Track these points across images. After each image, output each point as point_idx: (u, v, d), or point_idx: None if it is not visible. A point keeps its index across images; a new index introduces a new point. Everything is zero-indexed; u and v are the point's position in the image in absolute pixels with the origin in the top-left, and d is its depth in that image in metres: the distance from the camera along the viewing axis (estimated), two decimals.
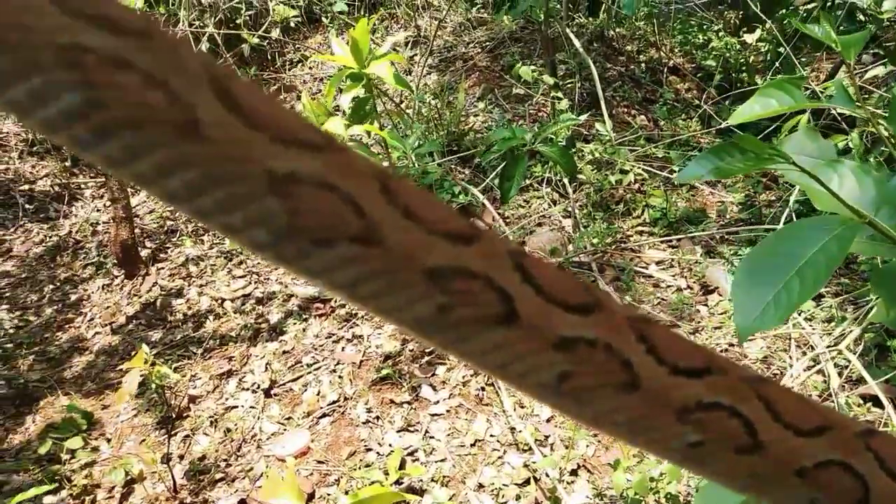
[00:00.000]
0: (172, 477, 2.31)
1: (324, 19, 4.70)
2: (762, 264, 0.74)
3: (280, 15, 4.22)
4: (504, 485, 2.03)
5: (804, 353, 2.15)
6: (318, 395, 2.55)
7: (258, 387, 2.64)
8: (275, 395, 2.62)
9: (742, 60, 3.71)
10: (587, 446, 2.07)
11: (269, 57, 4.54)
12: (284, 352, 2.81)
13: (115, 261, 3.49)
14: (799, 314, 2.30)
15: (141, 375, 2.50)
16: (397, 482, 2.12)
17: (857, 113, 0.93)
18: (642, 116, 3.75)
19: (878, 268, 0.76)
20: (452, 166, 3.50)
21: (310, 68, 4.53)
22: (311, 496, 2.19)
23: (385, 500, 1.56)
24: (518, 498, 1.98)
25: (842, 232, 0.72)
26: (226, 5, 4.16)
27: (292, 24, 4.43)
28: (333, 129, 2.19)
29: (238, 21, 4.23)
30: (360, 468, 2.22)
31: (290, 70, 4.58)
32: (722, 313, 2.50)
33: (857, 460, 0.31)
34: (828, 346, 1.93)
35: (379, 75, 2.03)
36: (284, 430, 2.48)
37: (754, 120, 0.99)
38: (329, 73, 4.23)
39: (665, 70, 3.98)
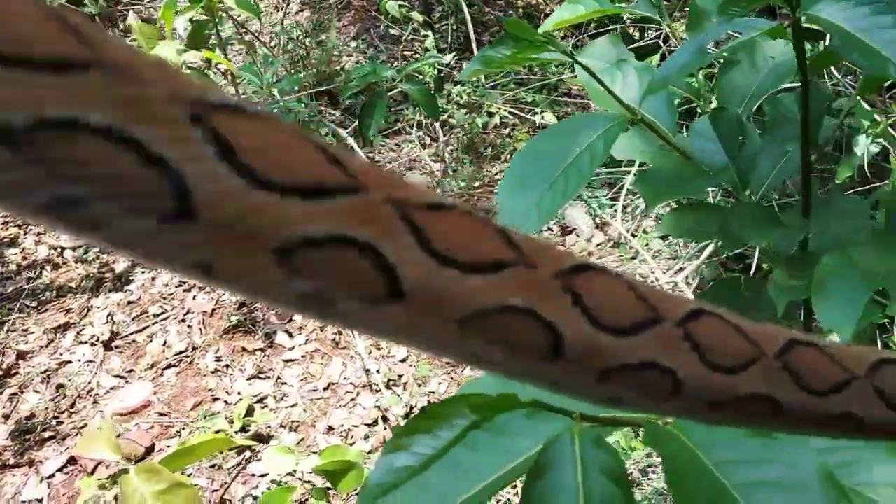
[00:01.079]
0: None
1: None
2: (529, 166, 0.69)
3: None
4: (354, 426, 1.98)
5: None
6: (164, 345, 2.39)
7: (97, 339, 2.44)
8: (116, 347, 2.42)
9: None
10: (439, 384, 2.06)
11: None
12: (129, 302, 2.60)
13: None
14: (647, 250, 2.38)
15: None
16: (242, 430, 2.03)
17: (656, 17, 0.90)
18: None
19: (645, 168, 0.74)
20: (322, 108, 3.34)
21: None
22: (149, 449, 2.05)
23: (212, 445, 1.47)
24: (366, 437, 1.94)
25: (610, 128, 0.68)
26: None
27: None
28: (165, 54, 1.98)
29: None
30: (204, 418, 2.11)
31: (147, 2, 4.17)
32: (579, 253, 2.55)
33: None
34: (668, 283, 2.00)
35: None
36: (126, 383, 2.31)
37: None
38: None
39: (542, 16, 3.96)
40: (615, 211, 2.57)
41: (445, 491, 0.43)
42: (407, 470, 0.39)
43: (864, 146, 1.51)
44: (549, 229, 2.67)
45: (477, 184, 2.90)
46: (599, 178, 2.79)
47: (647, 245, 2.44)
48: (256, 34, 3.50)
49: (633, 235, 2.49)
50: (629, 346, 0.25)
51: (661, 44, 2.53)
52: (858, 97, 1.44)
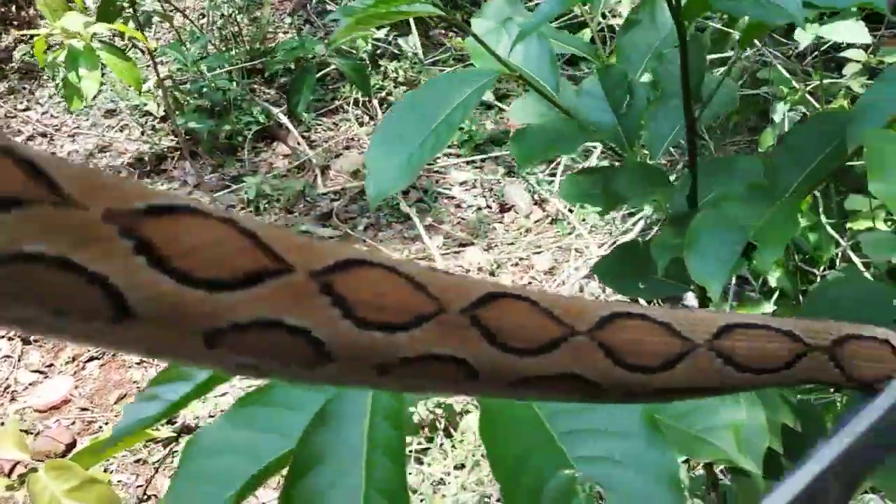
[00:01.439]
0: None
1: None
2: (401, 124, 0.65)
3: None
4: None
5: (585, 264, 2.22)
6: None
7: (14, 334, 2.31)
8: (35, 341, 2.31)
9: None
10: None
11: None
12: None
13: None
14: (583, 225, 2.37)
15: None
16: (170, 422, 1.95)
17: None
18: (459, 39, 3.66)
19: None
20: (255, 86, 3.22)
21: None
22: (70, 446, 1.96)
23: (133, 439, 1.40)
24: None
25: (485, 82, 0.64)
26: None
27: None
28: (71, 26, 1.87)
29: None
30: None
31: None
32: (517, 230, 2.53)
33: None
34: (598, 257, 1.99)
35: None
36: (46, 378, 2.20)
37: None
38: None
39: None
40: (553, 187, 2.55)
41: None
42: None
43: (783, 113, 1.51)
44: (489, 207, 2.65)
45: None
46: None
47: (583, 220, 2.43)
48: (184, 11, 3.36)
49: (570, 211, 2.48)
50: (400, 341, 0.24)
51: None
52: (778, 66, 1.44)
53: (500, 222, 2.57)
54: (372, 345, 0.23)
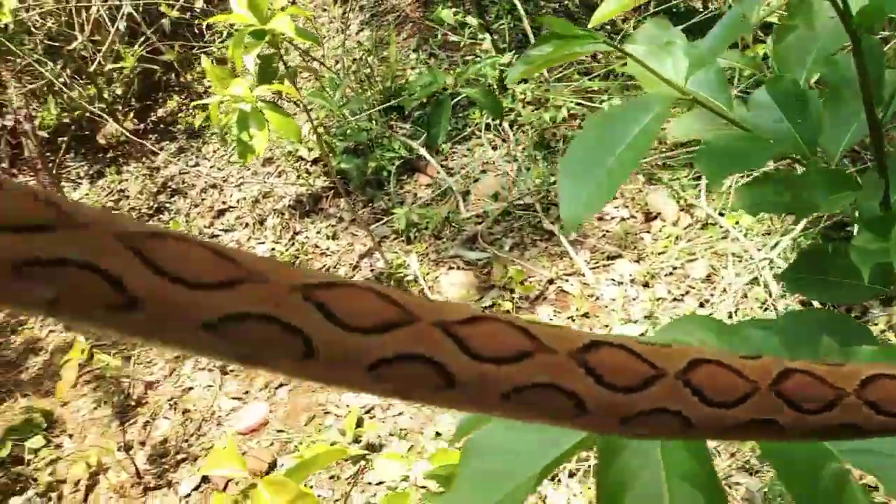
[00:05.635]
0: (134, 463, 2.30)
1: None
2: (585, 153, 0.72)
3: None
4: None
5: (745, 269, 2.16)
6: None
7: (214, 365, 2.63)
8: (231, 371, 2.60)
9: None
10: None
11: (197, 31, 4.40)
12: None
13: None
14: (736, 228, 2.30)
15: (97, 369, 2.49)
16: (355, 441, 2.13)
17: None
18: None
19: (703, 144, 0.74)
20: (392, 122, 3.44)
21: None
22: (272, 466, 2.19)
23: (330, 456, 1.56)
24: None
25: (661, 110, 0.70)
26: None
27: None
28: (238, 92, 2.13)
29: None
30: (318, 432, 2.23)
31: (221, 43, 4.45)
32: (666, 238, 2.50)
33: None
34: (761, 259, 1.93)
35: (279, 29, 1.97)
36: (243, 404, 2.48)
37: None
38: None
39: (600, 2, 3.90)
40: (699, 191, 2.50)
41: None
42: None
43: None
44: (633, 216, 2.64)
45: (553, 179, 2.90)
46: (679, 159, 2.73)
47: (737, 223, 2.35)
48: (321, 59, 3.66)
49: (721, 214, 2.41)
50: (504, 374, 0.28)
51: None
52: None
53: (647, 231, 2.55)
54: (492, 376, 0.27)
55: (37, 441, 2.54)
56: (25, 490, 2.39)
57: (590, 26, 0.98)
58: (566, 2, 3.97)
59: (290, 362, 0.27)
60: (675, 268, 2.40)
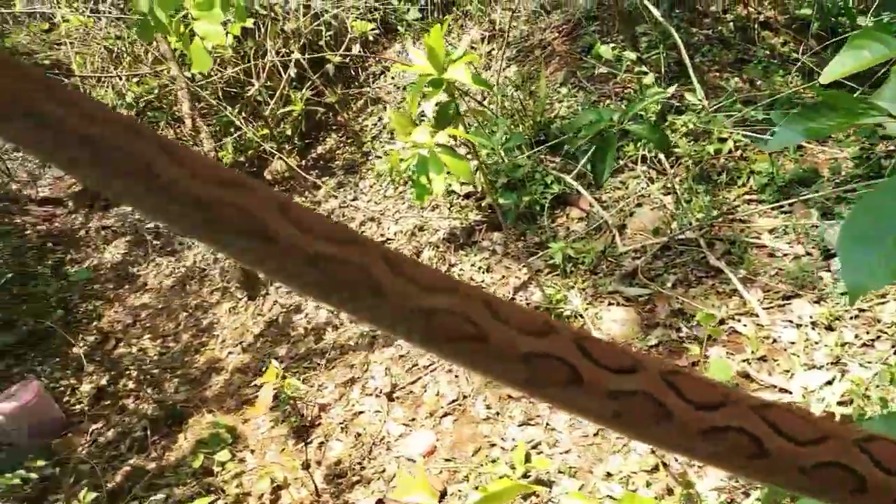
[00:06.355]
0: (314, 482, 2.47)
1: (399, 28, 4.80)
2: (869, 219, 0.72)
3: (358, 30, 4.36)
4: (633, 472, 2.03)
5: None
6: (437, 395, 2.65)
7: (381, 391, 2.77)
8: (397, 398, 2.74)
9: (840, 3, 3.45)
10: None
11: (353, 73, 4.71)
12: (401, 356, 2.93)
13: (238, 285, 3.76)
14: None
15: (274, 389, 2.70)
16: (525, 475, 2.17)
17: None
18: (736, 79, 3.58)
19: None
20: (542, 156, 3.49)
21: (391, 78, 4.65)
22: (443, 494, 2.28)
23: (513, 491, 1.61)
24: (648, 485, 1.97)
25: None
26: (307, 30, 4.35)
27: (371, 38, 4.57)
28: (419, 138, 2.26)
29: (321, 43, 4.42)
30: (486, 464, 2.29)
31: (374, 83, 4.72)
32: None
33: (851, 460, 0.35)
34: None
35: (457, 78, 2.08)
36: (410, 430, 2.59)
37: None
38: (410, 80, 4.33)
39: (756, 26, 3.78)
40: None
41: None
42: None
43: None
44: (808, 254, 2.51)
45: (715, 212, 2.82)
46: (858, 192, 2.57)
47: None
48: (477, 98, 3.79)
49: None
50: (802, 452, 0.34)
51: None
52: None
53: (827, 270, 2.42)
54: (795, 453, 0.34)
55: (223, 455, 2.79)
56: (217, 500, 2.62)
57: (821, 81, 0.98)
58: (720, 27, 3.87)
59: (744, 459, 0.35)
60: (861, 310, 2.26)
